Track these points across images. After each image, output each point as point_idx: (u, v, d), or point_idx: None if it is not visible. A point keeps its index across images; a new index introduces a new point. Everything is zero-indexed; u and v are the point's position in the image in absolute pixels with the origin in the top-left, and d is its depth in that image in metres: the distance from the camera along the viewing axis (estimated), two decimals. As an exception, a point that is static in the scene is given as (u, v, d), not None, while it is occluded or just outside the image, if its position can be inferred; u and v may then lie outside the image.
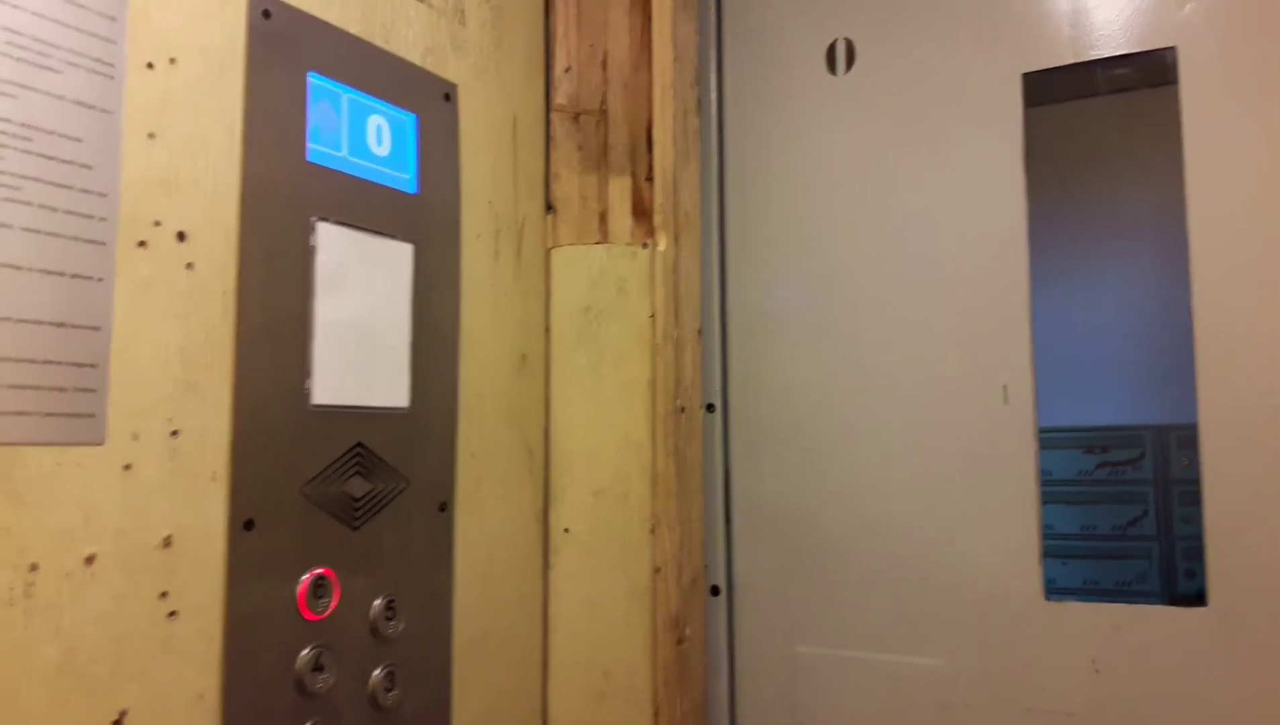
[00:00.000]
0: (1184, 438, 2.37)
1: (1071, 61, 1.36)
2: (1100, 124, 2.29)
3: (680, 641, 1.36)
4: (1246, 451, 1.22)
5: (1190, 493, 2.32)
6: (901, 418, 1.42)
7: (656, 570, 1.36)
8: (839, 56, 1.50)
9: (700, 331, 1.50)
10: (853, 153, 1.48)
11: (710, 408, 1.53)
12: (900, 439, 1.41)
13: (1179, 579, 2.30)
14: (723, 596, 1.50)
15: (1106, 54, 1.34)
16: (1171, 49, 1.29)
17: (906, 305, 1.42)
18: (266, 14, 1.00)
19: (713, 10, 1.59)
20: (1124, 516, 2.42)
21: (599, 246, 1.41)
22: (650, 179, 1.43)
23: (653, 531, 1.37)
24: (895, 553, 1.40)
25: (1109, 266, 2.48)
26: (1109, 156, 2.38)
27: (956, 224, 1.40)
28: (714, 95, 1.58)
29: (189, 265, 0.92)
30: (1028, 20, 1.38)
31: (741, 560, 1.51)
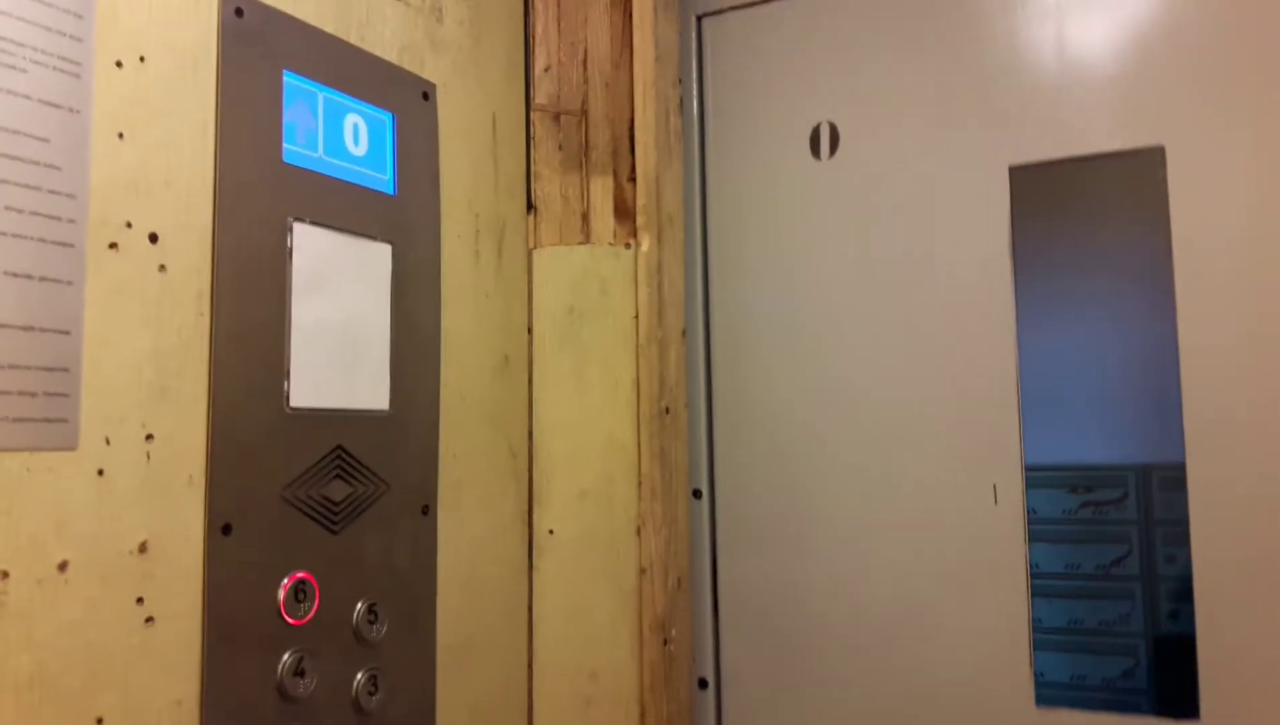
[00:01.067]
0: (1167, 479, 2.38)
1: (1059, 157, 1.34)
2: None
3: (666, 643, 1.35)
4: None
5: (1174, 533, 2.32)
6: (891, 515, 1.40)
7: (642, 571, 1.35)
8: (823, 141, 1.48)
9: (684, 332, 1.49)
10: (835, 236, 1.46)
11: (697, 494, 1.51)
12: (889, 536, 1.40)
13: (1163, 620, 2.29)
14: (711, 690, 1.48)
15: (1094, 151, 1.32)
16: (1159, 147, 1.27)
17: (895, 399, 1.41)
18: (239, 12, 0.99)
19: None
20: (1108, 556, 2.42)
21: (581, 247, 1.40)
22: (633, 179, 1.42)
23: (638, 533, 1.36)
24: (884, 654, 1.39)
25: (1095, 299, 2.48)
26: (1095, 188, 2.38)
27: (944, 319, 1.38)
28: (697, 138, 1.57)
29: (162, 267, 0.91)
30: (1014, 114, 1.36)
31: (730, 654, 1.49)
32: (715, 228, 1.55)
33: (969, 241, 1.37)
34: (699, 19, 1.59)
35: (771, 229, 1.51)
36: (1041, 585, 2.37)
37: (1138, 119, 1.29)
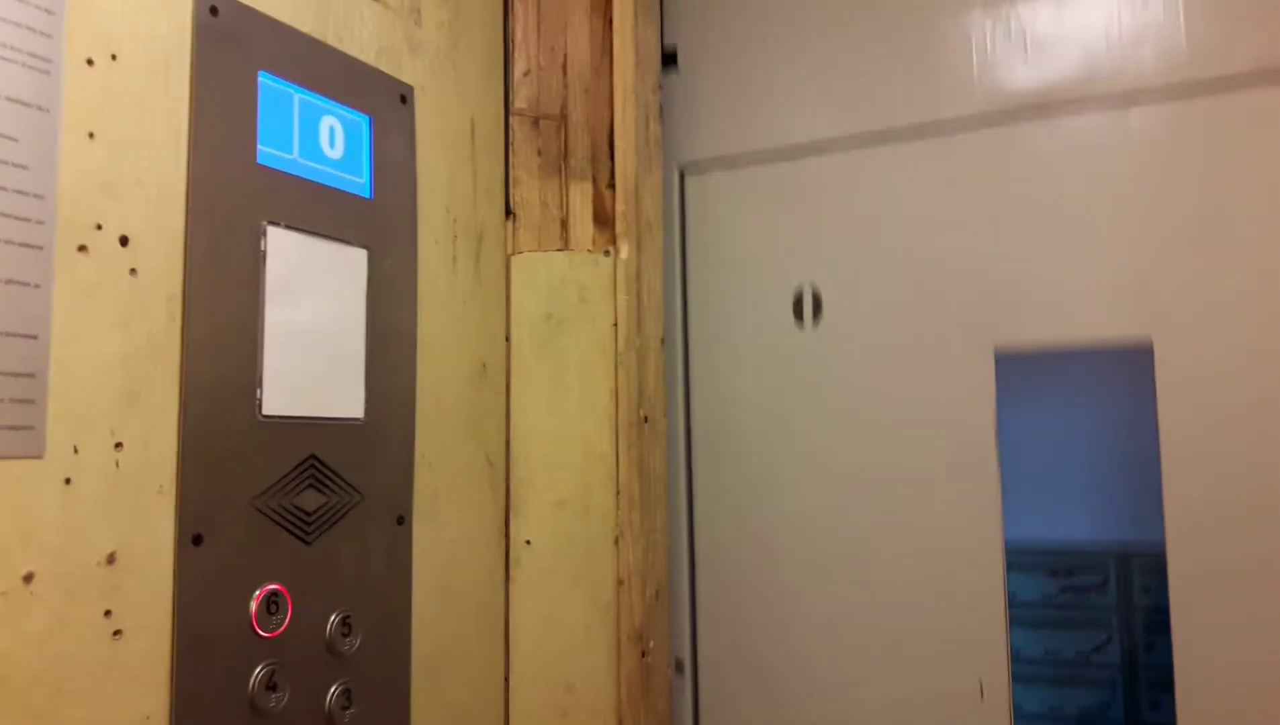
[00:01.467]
0: (1146, 564, 2.38)
1: (1046, 343, 1.31)
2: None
3: (644, 654, 1.34)
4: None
5: (1155, 621, 2.32)
6: (874, 707, 1.37)
7: (620, 582, 1.33)
8: (806, 306, 1.45)
9: (663, 340, 1.48)
10: (817, 408, 1.44)
11: (679, 667, 1.49)
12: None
13: (1143, 708, 2.28)
14: None
15: (1080, 338, 1.29)
16: (1147, 339, 1.24)
17: (878, 588, 1.38)
18: (214, 10, 0.97)
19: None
20: (1088, 642, 2.41)
21: (560, 253, 1.39)
22: (612, 185, 1.41)
23: (616, 543, 1.34)
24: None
25: (1077, 382, 2.49)
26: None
27: (926, 505, 1.35)
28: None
29: (132, 270, 0.89)
30: (1000, 295, 1.33)
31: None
32: (697, 393, 1.55)
33: (953, 423, 1.34)
34: (682, 173, 1.57)
35: (754, 395, 1.49)
36: (1021, 670, 2.37)
37: (1126, 310, 1.26)
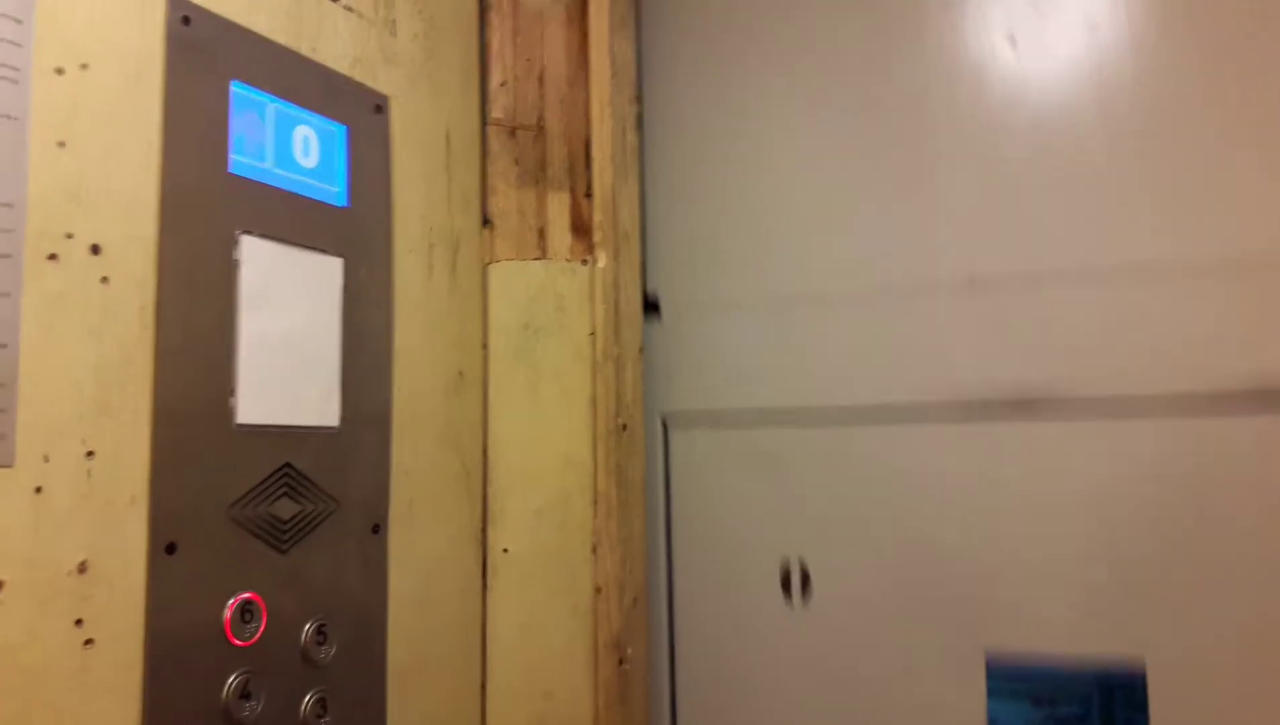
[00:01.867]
0: (1130, 697, 2.36)
1: (1038, 653, 1.26)
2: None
3: (622, 662, 1.34)
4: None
5: None
6: None
7: (598, 590, 1.34)
8: (794, 580, 1.40)
9: (641, 350, 1.48)
10: (807, 694, 1.39)
11: None
12: None
13: None
14: None
15: (1072, 653, 1.25)
16: (1140, 662, 1.21)
17: None
18: (186, 20, 0.97)
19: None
20: None
21: (537, 262, 1.39)
22: (589, 195, 1.41)
23: (594, 551, 1.34)
24: None
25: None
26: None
27: None
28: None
29: (104, 279, 0.89)
30: (993, 598, 1.28)
31: None
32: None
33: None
34: (665, 425, 1.53)
35: (743, 679, 1.45)
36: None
37: (1118, 630, 1.22)
